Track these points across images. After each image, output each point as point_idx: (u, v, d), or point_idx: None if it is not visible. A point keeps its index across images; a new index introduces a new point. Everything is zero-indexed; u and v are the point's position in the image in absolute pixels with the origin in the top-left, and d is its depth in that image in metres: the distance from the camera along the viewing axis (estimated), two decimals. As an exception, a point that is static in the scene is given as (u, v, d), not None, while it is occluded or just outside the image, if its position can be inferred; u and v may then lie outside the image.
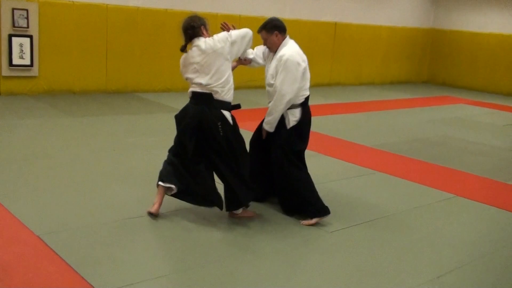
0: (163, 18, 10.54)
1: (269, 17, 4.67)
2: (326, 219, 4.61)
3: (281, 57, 4.43)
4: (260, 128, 4.77)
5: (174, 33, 10.60)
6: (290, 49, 4.49)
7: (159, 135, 7.18)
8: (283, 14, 12.50)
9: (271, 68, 4.53)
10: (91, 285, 3.23)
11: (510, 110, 12.27)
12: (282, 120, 4.58)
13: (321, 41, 13.58)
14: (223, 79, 4.24)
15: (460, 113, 11.35)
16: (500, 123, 10.55)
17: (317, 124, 8.72)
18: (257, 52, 4.77)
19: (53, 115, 7.89)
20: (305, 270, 3.78)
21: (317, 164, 6.44)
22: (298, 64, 4.43)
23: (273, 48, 4.57)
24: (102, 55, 9.96)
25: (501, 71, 15.15)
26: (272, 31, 4.50)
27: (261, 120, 4.73)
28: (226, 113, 4.30)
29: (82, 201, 4.63)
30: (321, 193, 5.15)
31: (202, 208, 4.56)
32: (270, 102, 4.56)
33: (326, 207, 4.61)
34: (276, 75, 4.45)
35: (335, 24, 13.82)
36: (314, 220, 4.56)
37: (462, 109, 12.07)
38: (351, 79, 14.77)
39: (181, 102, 9.63)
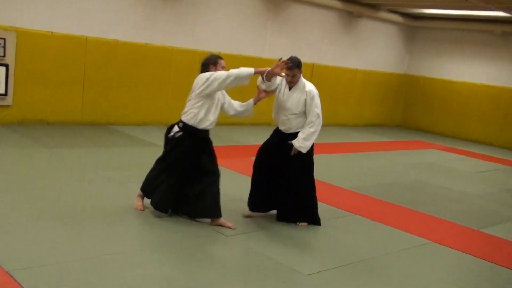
0: (142, 52, 10.56)
1: (291, 56, 5.44)
2: (303, 261, 4.58)
3: (310, 91, 5.38)
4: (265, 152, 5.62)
5: (152, 67, 10.75)
6: (310, 84, 5.47)
7: (133, 170, 7.09)
8: (262, 53, 12.68)
9: (295, 99, 5.37)
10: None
11: (481, 157, 12.50)
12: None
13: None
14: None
15: (433, 158, 11.52)
16: (471, 169, 10.73)
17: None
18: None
19: (25, 146, 7.74)
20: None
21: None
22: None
23: (294, 83, 5.38)
24: (79, 86, 9.88)
25: (472, 119, 15.51)
26: (301, 69, 5.39)
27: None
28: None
29: (54, 236, 4.51)
30: (296, 235, 5.15)
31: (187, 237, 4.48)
32: (285, 129, 5.48)
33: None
34: (302, 106, 5.37)
35: (313, 65, 14.02)
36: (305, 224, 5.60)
37: (434, 154, 12.26)
38: (327, 119, 14.59)
39: (156, 136, 9.70)
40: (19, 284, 3.55)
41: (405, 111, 17.16)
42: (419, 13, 15.71)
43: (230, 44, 11.96)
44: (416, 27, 16.78)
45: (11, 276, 3.65)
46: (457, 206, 7.56)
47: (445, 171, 10.13)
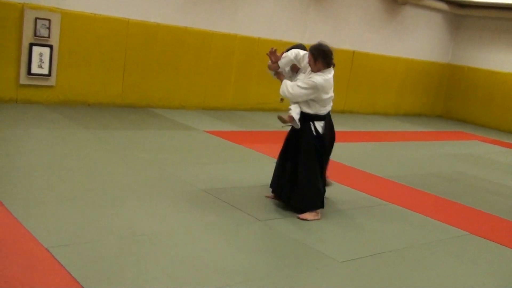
0: (182, 36, 10.60)
1: (296, 42, 5.45)
2: (337, 248, 4.55)
3: None
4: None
5: (192, 51, 10.78)
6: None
7: (170, 152, 7.15)
8: (302, 39, 12.54)
9: None
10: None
11: (525, 150, 12.16)
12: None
13: (338, 68, 13.52)
14: None
15: (474, 150, 11.25)
16: (514, 162, 10.45)
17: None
18: None
19: (66, 126, 7.88)
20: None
21: (330, 191, 6.37)
22: None
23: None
24: (120, 68, 10.01)
25: (516, 110, 15.08)
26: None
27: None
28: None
29: (92, 215, 4.59)
30: (331, 221, 5.10)
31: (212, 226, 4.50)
32: None
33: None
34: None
35: (353, 52, 13.84)
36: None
37: (476, 146, 11.98)
38: (366, 108, 14.73)
39: (194, 119, 9.75)
40: (57, 260, 3.63)
41: (447, 102, 16.78)
42: (465, 1, 15.28)
43: (270, 29, 11.89)
44: (461, 16, 16.35)
45: (49, 252, 3.73)
46: (498, 199, 7.37)
47: (486, 163, 9.89)
